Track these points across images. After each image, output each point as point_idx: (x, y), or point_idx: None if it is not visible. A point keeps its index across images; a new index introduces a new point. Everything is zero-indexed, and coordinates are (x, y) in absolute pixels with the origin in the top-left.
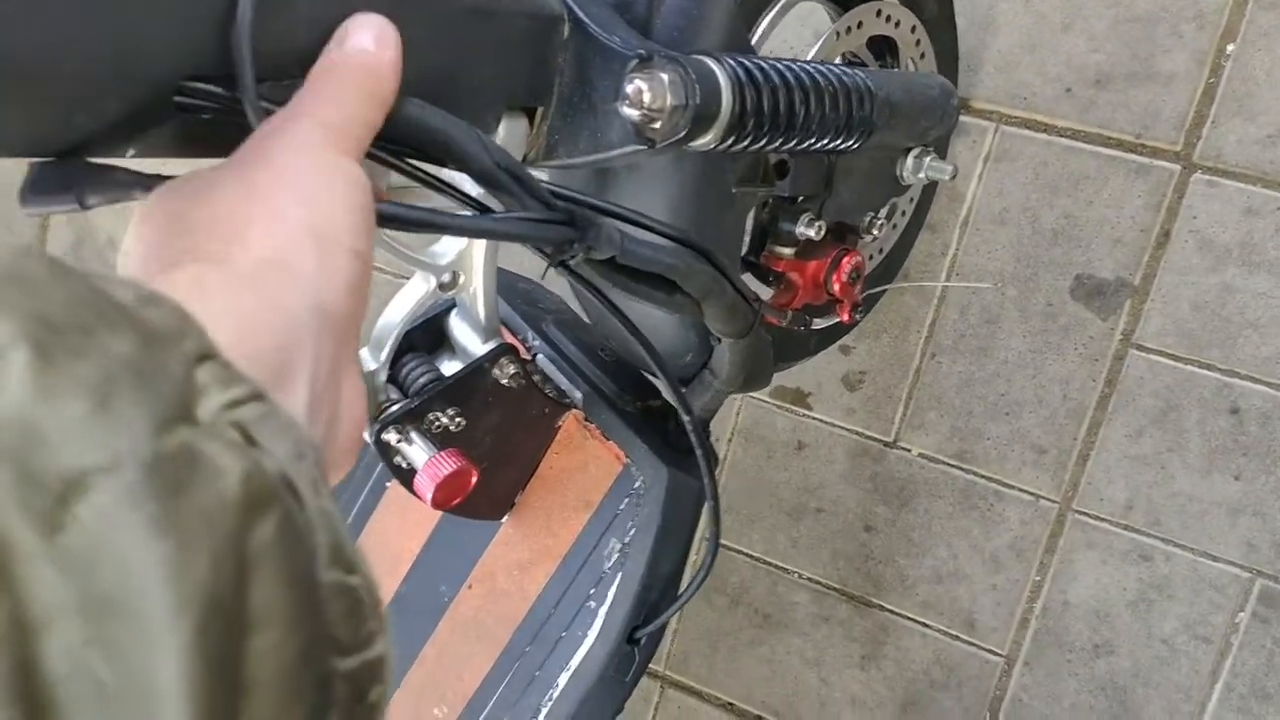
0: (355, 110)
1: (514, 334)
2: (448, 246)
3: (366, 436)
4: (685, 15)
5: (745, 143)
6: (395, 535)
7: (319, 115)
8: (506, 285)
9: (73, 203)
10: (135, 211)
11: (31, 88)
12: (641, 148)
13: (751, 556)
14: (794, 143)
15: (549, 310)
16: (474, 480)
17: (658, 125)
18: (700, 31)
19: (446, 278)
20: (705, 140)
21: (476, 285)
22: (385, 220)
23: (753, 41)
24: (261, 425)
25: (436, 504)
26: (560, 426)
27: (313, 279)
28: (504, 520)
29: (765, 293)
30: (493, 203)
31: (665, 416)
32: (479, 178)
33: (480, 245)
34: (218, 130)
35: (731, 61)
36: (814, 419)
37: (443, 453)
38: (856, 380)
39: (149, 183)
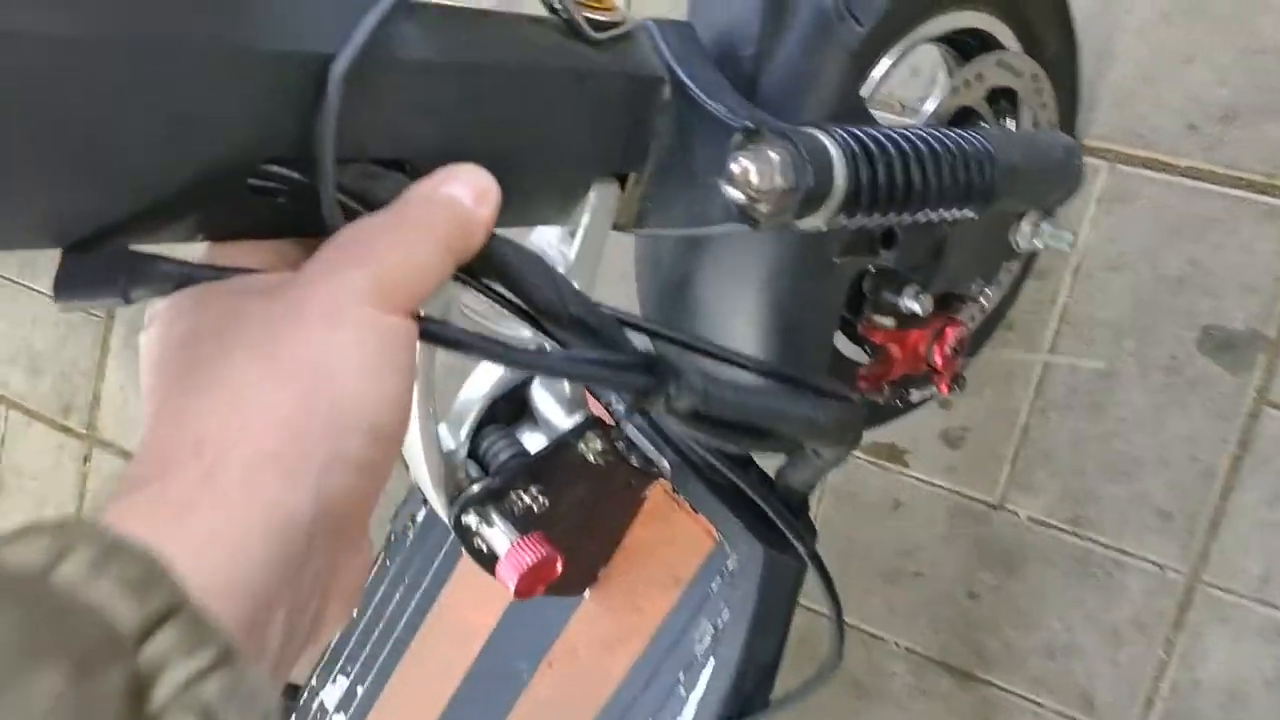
0: (426, 263)
1: (597, 398)
2: None
3: (444, 517)
4: (795, 74)
5: (857, 221)
6: (469, 608)
7: (379, 264)
8: None
9: (115, 295)
10: (162, 304)
11: (94, 166)
12: (743, 226)
13: (815, 611)
14: (908, 216)
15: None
16: (560, 568)
17: (764, 208)
18: (810, 91)
19: (532, 348)
20: (814, 221)
21: None
22: (442, 344)
23: (863, 95)
24: (226, 703)
25: (520, 594)
26: (646, 497)
27: (319, 471)
28: (585, 594)
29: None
30: None
31: (761, 486)
32: (551, 324)
33: None
34: (289, 212)
35: (845, 135)
36: (911, 477)
37: (527, 538)
38: (957, 437)
39: (197, 275)
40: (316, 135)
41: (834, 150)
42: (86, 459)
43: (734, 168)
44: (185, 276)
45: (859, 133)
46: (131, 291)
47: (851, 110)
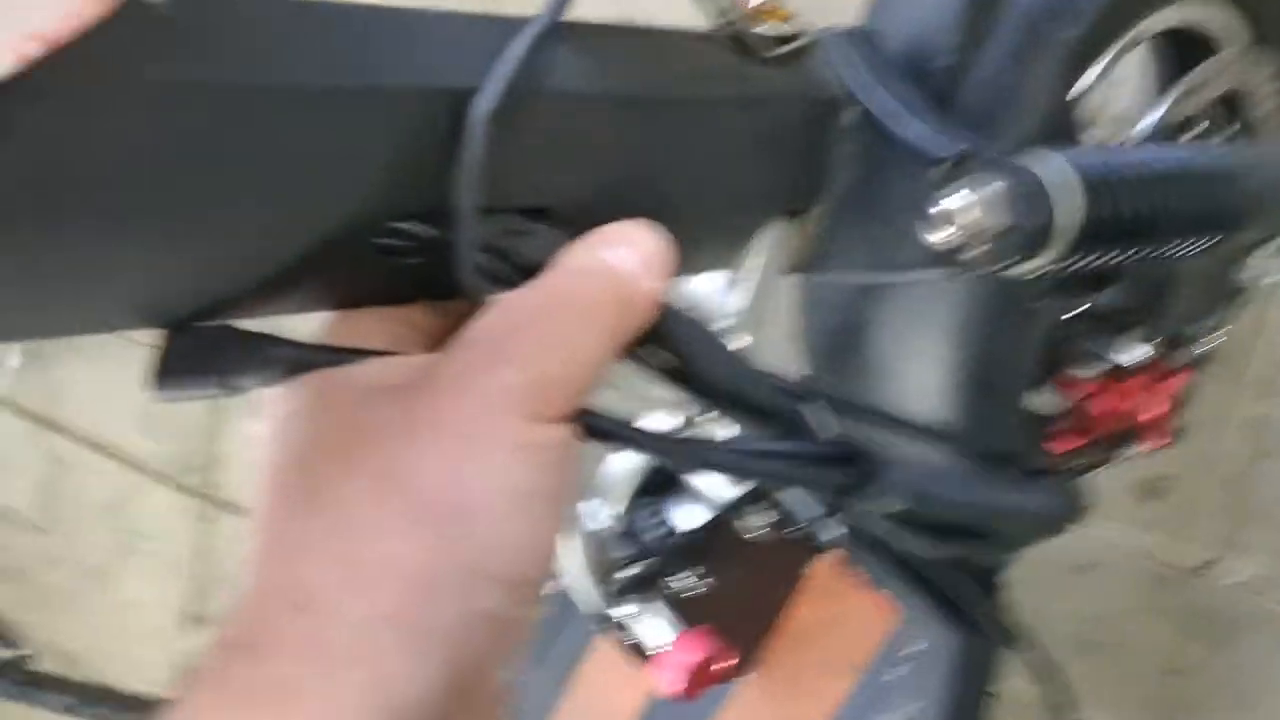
0: (588, 354)
1: None
2: None
3: (593, 603)
4: (1000, 85)
5: (1086, 263)
6: (611, 689)
7: (533, 362)
8: None
9: (213, 385)
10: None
11: (208, 230)
12: (946, 274)
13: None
14: (1149, 253)
15: None
16: (733, 664)
17: (974, 253)
18: (1019, 107)
19: (693, 411)
20: (1034, 266)
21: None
22: (607, 441)
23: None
24: None
25: (689, 694)
26: (809, 572)
27: (448, 635)
28: (744, 678)
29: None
30: None
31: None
32: (727, 411)
33: None
34: (420, 274)
35: (1076, 159)
36: (1100, 536)
37: (693, 631)
38: (1155, 487)
39: (314, 359)
40: (456, 185)
41: (1063, 179)
42: (208, 519)
43: (939, 206)
44: (299, 362)
45: (1090, 155)
46: (236, 379)
47: (1062, 128)
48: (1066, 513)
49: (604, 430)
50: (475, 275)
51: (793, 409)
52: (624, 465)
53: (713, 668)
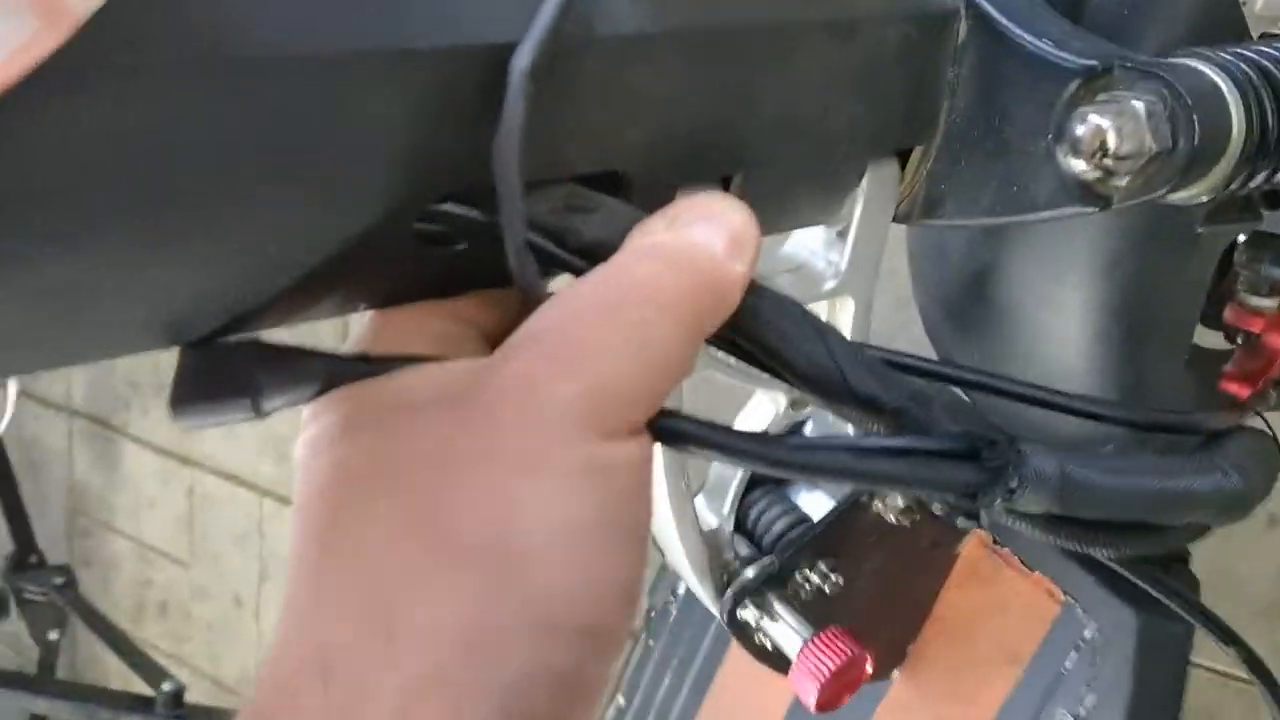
0: (664, 355)
1: None
2: None
3: (713, 610)
4: None
5: (1256, 181)
6: (753, 692)
7: (597, 370)
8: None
9: (245, 407)
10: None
11: (229, 228)
12: (1088, 210)
13: (1216, 672)
14: None
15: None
16: (869, 670)
17: (1122, 181)
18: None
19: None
20: (1195, 191)
21: None
22: (690, 447)
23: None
24: None
25: (822, 708)
26: (959, 554)
27: (506, 698)
28: (894, 677)
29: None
30: None
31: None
32: (829, 406)
33: (845, 325)
34: (467, 262)
35: (1235, 61)
36: None
37: (822, 636)
38: None
39: (349, 372)
40: (497, 157)
41: (1224, 86)
42: None
43: (1080, 130)
44: (333, 375)
45: (1252, 55)
46: (265, 400)
47: (1224, 23)
48: (1254, 489)
49: (685, 435)
50: (525, 262)
51: (907, 397)
52: (727, 469)
53: (849, 677)
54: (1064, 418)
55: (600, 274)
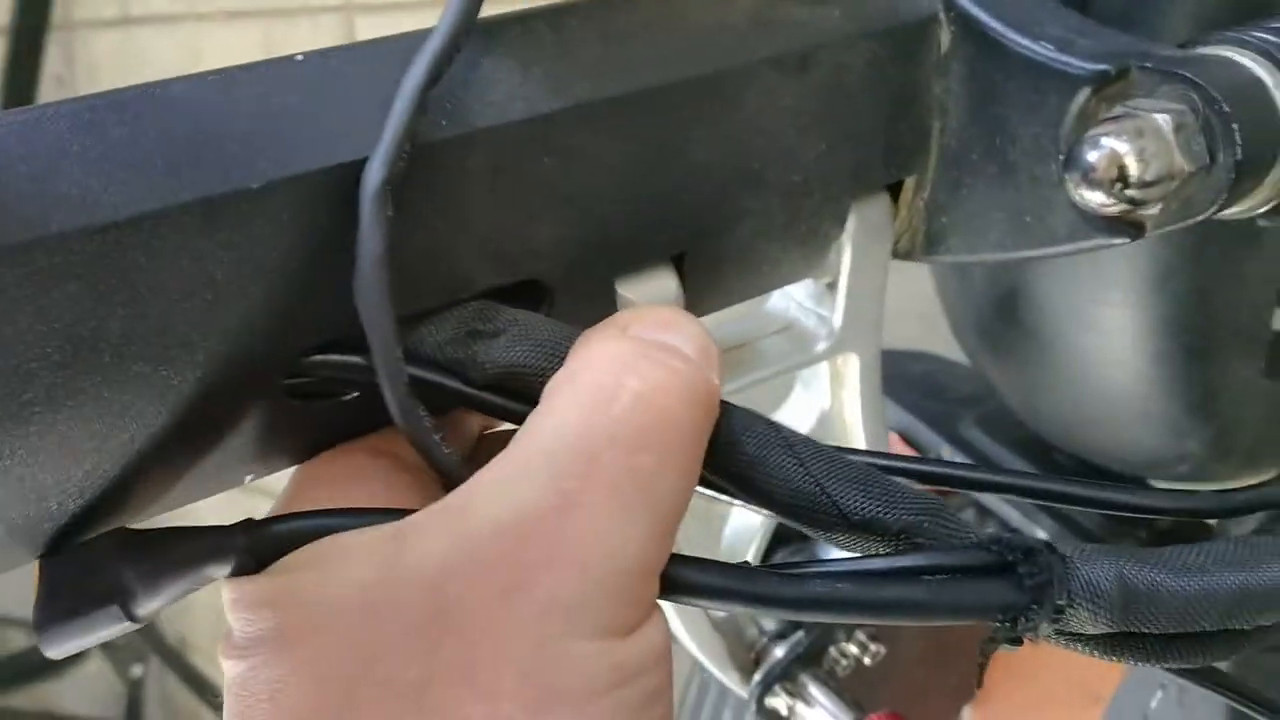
0: (671, 508)
1: (921, 452)
2: (802, 407)
3: (743, 694)
4: None
5: None
6: None
7: (584, 560)
8: (894, 375)
9: (117, 615)
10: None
11: (58, 424)
12: (1117, 242)
13: None
14: None
15: (965, 401)
16: None
17: (1154, 210)
18: None
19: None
20: (1252, 203)
21: (857, 436)
22: (700, 599)
23: None
24: None
25: None
26: None
27: None
28: (964, 716)
29: None
30: None
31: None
32: (820, 536)
33: (853, 385)
34: (362, 410)
35: (1274, 40)
36: None
37: None
38: None
39: (232, 547)
40: (359, 294)
41: (1269, 77)
42: None
43: (1092, 155)
44: (219, 557)
45: None
46: (138, 604)
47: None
48: None
49: (702, 587)
50: (412, 419)
51: (916, 510)
52: (748, 519)
53: None
54: (1134, 434)
55: (536, 421)
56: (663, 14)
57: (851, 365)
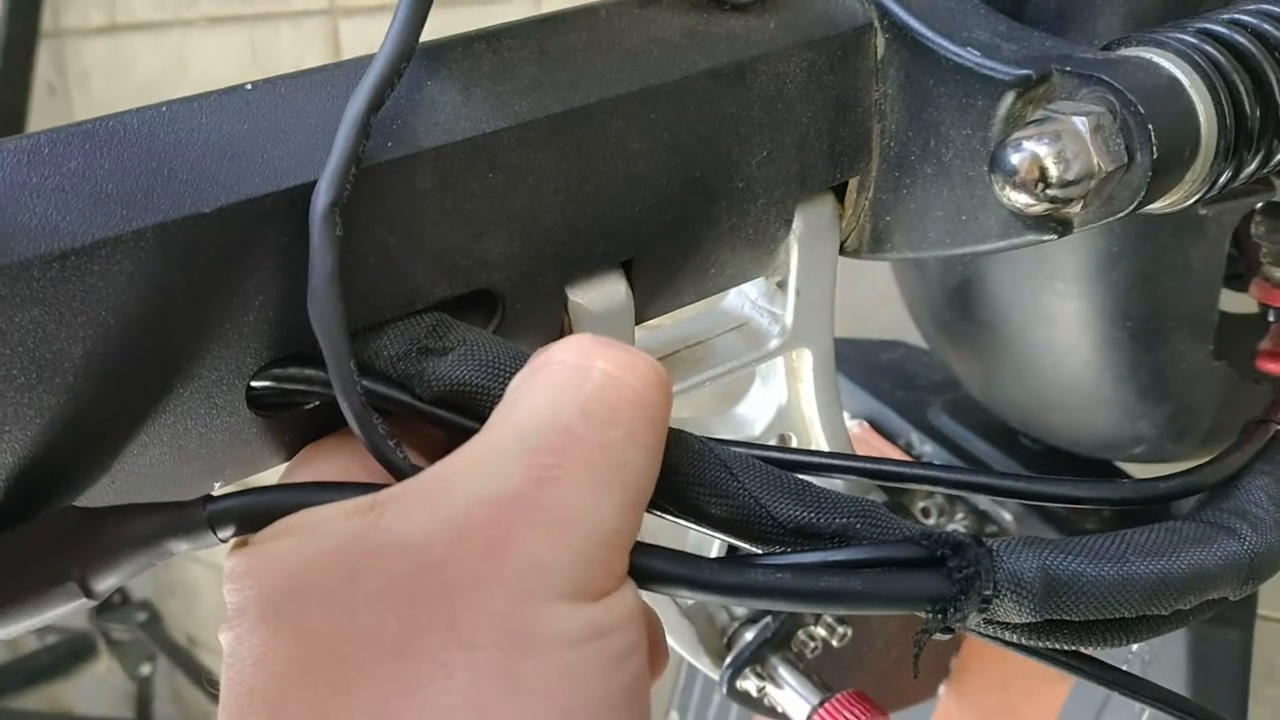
0: (639, 484)
1: (890, 439)
2: (761, 402)
3: (715, 678)
4: None
5: (1242, 171)
6: None
7: (580, 527)
8: (864, 363)
9: (73, 593)
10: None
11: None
12: (1046, 238)
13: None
14: None
15: (934, 388)
16: None
17: (1077, 208)
18: None
19: (772, 444)
20: (1173, 199)
21: (817, 437)
22: (664, 586)
23: None
24: None
25: None
26: None
27: None
28: (940, 693)
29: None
30: None
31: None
32: (759, 547)
33: (807, 378)
34: (325, 417)
35: (1191, 44)
36: None
37: (832, 703)
38: None
39: (191, 521)
40: (313, 310)
41: (1185, 78)
42: None
43: (1014, 158)
44: (180, 531)
45: (1221, 29)
46: (95, 578)
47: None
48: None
49: (667, 574)
50: (369, 428)
51: (849, 514)
52: None
53: None
54: (1088, 419)
55: (533, 400)
56: (598, 33)
57: (805, 360)
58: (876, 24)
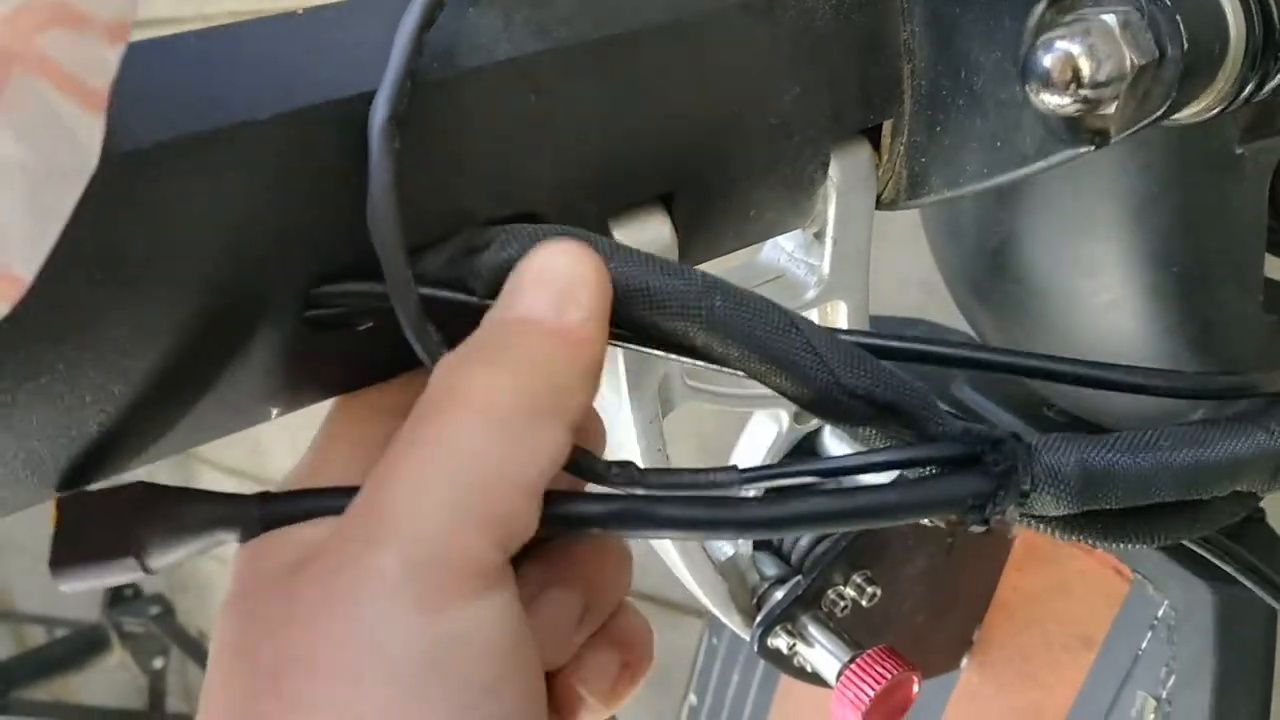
0: (500, 470)
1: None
2: None
3: (746, 637)
4: None
5: (1269, 81)
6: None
7: (411, 535)
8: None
9: (131, 566)
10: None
11: (86, 353)
12: (1083, 150)
13: None
14: None
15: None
16: (917, 688)
17: (1110, 110)
18: None
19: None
20: (1203, 104)
21: None
22: (563, 529)
23: None
24: None
25: None
26: (1016, 535)
27: None
28: (963, 665)
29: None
30: None
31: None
32: (811, 409)
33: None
34: (382, 343)
35: None
36: None
37: (862, 660)
38: None
39: (245, 517)
40: (372, 221)
41: None
42: None
43: (1045, 60)
44: (228, 518)
45: None
46: (151, 556)
47: None
48: None
49: (700, 520)
50: (422, 330)
51: (899, 391)
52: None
53: (895, 699)
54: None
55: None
56: None
57: (840, 312)
58: None
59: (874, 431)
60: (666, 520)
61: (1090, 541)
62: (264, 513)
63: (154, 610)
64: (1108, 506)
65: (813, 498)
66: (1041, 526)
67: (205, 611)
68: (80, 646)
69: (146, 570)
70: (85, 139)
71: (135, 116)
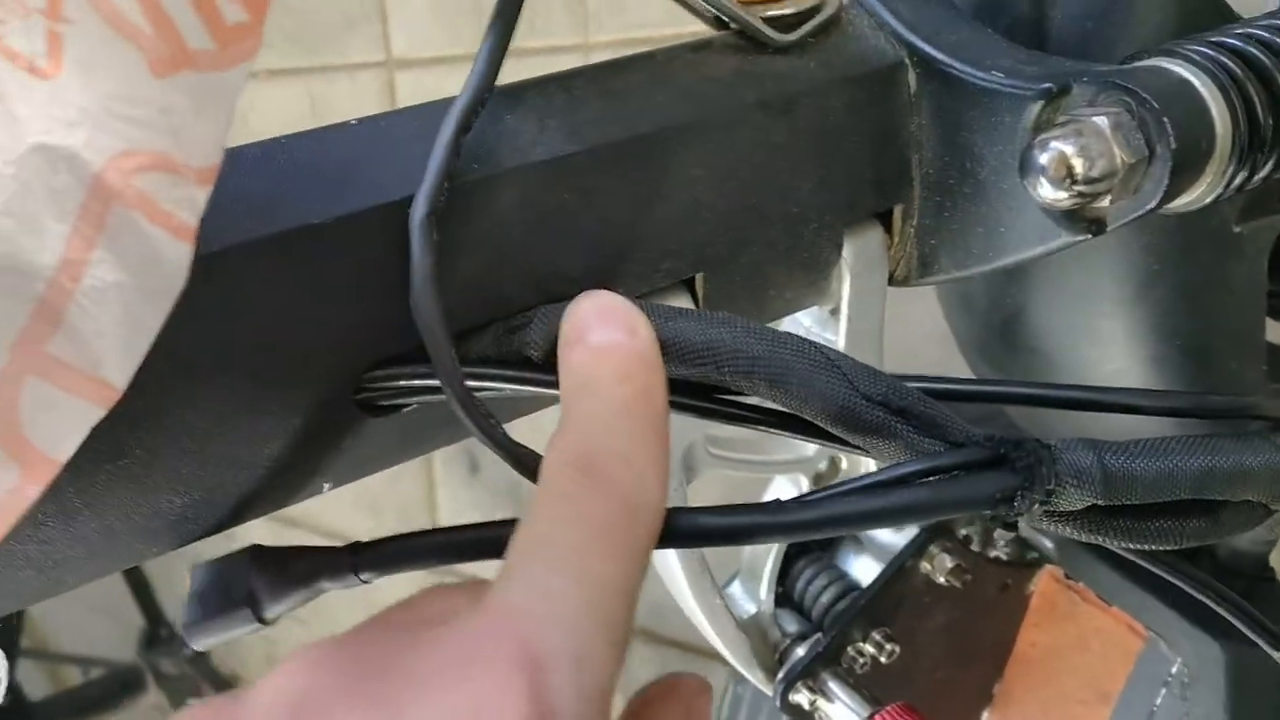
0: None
1: None
2: None
3: (769, 692)
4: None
5: (1258, 172)
6: None
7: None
8: None
9: (248, 618)
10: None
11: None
12: (1081, 238)
13: None
14: None
15: (973, 421)
16: None
17: (1105, 202)
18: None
19: (823, 466)
20: (1196, 194)
21: (867, 462)
22: (694, 539)
23: None
24: None
25: None
26: (1033, 592)
27: None
28: (983, 718)
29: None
30: None
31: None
32: (835, 424)
33: None
34: (426, 420)
35: (1204, 53)
36: None
37: (882, 715)
38: None
39: (340, 565)
40: (416, 310)
41: (1196, 80)
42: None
43: (1041, 158)
44: (329, 567)
45: (1232, 41)
46: (265, 609)
47: (1201, 13)
48: None
49: (738, 529)
50: (471, 408)
51: (913, 398)
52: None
53: None
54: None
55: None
56: (657, 73)
57: None
58: (907, 60)
59: (899, 445)
60: (706, 530)
61: (1111, 541)
62: (355, 561)
63: (189, 651)
64: (1128, 502)
65: (848, 498)
66: (1065, 528)
67: (238, 654)
68: (116, 687)
69: (263, 621)
70: (175, 265)
71: (204, 222)
